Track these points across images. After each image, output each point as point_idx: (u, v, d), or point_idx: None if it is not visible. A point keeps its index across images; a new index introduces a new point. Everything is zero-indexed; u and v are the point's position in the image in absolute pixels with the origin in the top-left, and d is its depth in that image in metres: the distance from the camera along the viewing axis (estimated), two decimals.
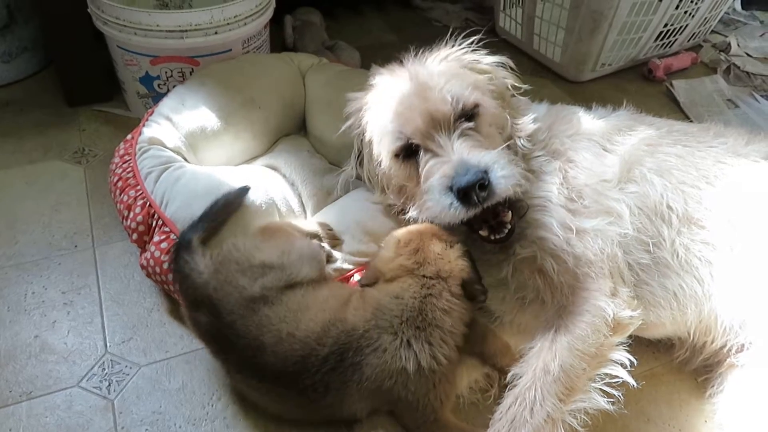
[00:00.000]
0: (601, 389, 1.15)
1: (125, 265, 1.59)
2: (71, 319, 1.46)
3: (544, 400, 1.11)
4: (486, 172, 1.14)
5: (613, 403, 1.16)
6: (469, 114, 1.24)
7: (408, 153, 1.27)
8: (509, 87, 1.40)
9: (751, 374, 1.18)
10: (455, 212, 1.17)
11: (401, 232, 1.29)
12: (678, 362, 1.36)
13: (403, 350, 1.12)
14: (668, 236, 1.23)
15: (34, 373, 1.34)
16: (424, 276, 1.20)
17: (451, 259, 1.22)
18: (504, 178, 1.15)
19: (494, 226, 1.23)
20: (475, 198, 1.14)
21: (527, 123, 1.37)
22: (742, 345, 1.22)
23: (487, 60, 1.39)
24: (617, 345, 1.18)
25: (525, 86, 1.42)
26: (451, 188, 1.15)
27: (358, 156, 1.46)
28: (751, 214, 1.23)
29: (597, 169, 1.29)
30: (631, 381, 1.17)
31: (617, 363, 1.17)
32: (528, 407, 1.11)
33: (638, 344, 1.40)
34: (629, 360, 1.18)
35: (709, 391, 1.30)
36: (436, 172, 1.19)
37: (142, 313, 1.48)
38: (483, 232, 1.24)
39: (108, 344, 1.40)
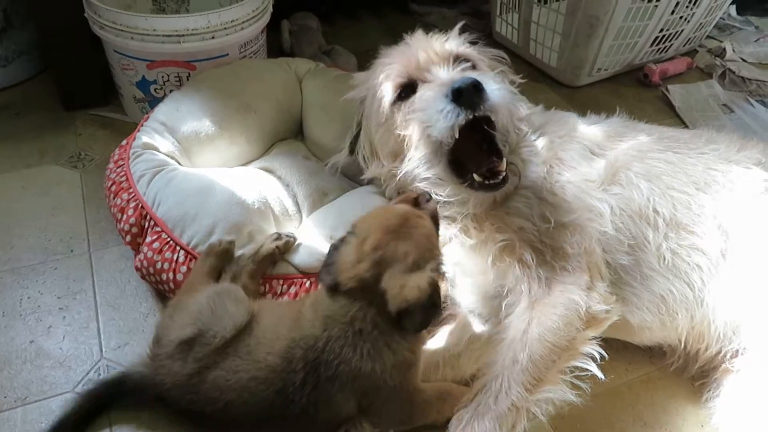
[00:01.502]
0: (570, 382, 1.16)
1: (121, 270, 1.58)
2: (67, 324, 1.45)
3: (509, 388, 1.12)
4: (480, 82, 1.17)
5: (580, 396, 1.16)
6: (467, 61, 1.33)
7: (407, 93, 1.30)
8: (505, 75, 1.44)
9: (747, 379, 1.18)
10: (448, 117, 1.16)
11: (370, 226, 1.11)
12: (673, 370, 1.36)
13: (366, 360, 1.08)
14: (653, 240, 1.23)
15: (29, 378, 1.33)
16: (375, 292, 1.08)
17: (405, 285, 1.04)
18: (498, 90, 1.18)
19: (487, 175, 1.23)
20: (470, 100, 1.15)
21: (521, 107, 1.40)
22: (737, 351, 1.22)
23: (485, 51, 1.46)
24: (590, 339, 1.18)
25: (519, 79, 1.48)
26: (446, 95, 1.16)
27: (356, 128, 1.48)
28: (742, 220, 1.23)
29: (582, 168, 1.30)
30: (600, 375, 1.16)
31: (588, 357, 1.17)
32: (493, 395, 1.12)
33: (634, 349, 1.40)
34: (601, 354, 1.17)
35: (705, 395, 1.30)
36: (432, 89, 1.23)
37: (138, 318, 1.47)
38: (477, 177, 1.23)
39: (104, 349, 1.40)
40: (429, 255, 1.09)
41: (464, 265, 1.32)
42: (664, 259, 1.23)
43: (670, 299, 1.23)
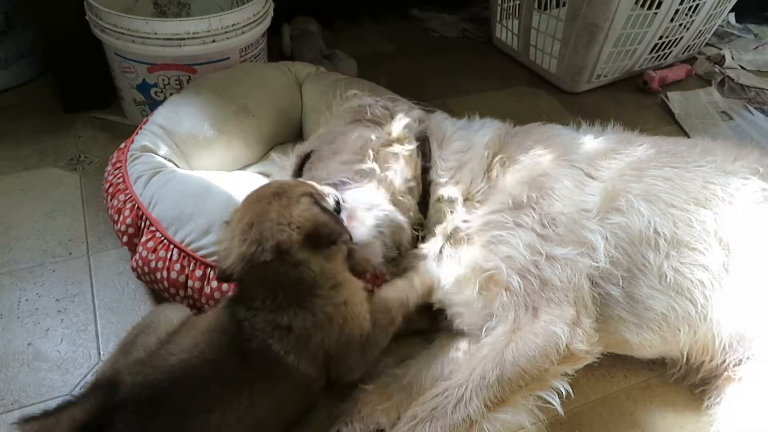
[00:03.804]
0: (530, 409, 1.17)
1: (120, 273, 1.58)
2: (65, 326, 1.45)
3: (470, 400, 1.12)
4: None
5: (534, 424, 1.18)
6: None
7: None
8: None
9: (750, 387, 1.18)
10: None
11: (237, 209, 1.14)
12: (673, 380, 1.36)
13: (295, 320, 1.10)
14: (654, 261, 1.22)
15: (27, 381, 1.33)
16: (264, 262, 1.07)
17: (291, 220, 1.06)
18: None
19: None
20: None
21: (398, 126, 1.43)
22: (740, 360, 1.22)
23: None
24: (562, 374, 1.17)
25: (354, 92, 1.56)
26: None
27: None
28: (743, 233, 1.23)
29: (576, 197, 1.27)
30: (561, 411, 1.16)
31: (555, 390, 1.17)
32: (452, 403, 1.12)
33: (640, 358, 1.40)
34: (567, 391, 1.17)
35: (705, 403, 1.29)
36: None
37: (136, 321, 1.45)
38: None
39: (101, 352, 1.39)
40: (301, 191, 1.12)
41: (453, 294, 1.32)
42: (666, 277, 1.22)
43: (672, 316, 1.22)
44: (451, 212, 1.37)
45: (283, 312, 1.09)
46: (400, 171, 1.38)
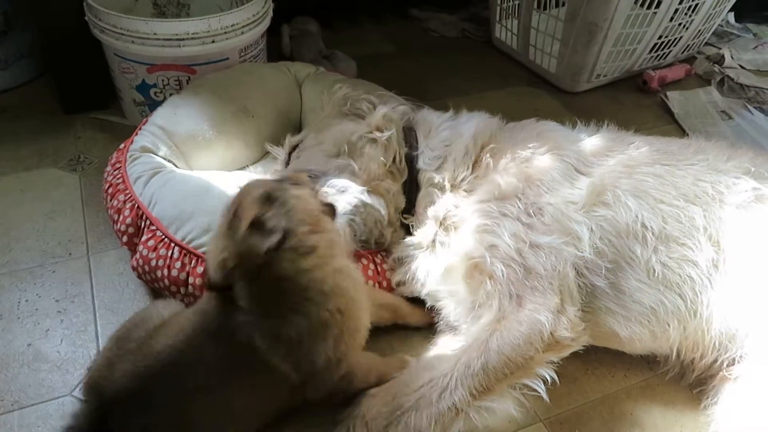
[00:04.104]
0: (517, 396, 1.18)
1: (120, 273, 1.58)
2: (65, 327, 1.45)
3: (455, 389, 1.13)
4: None
5: (520, 412, 1.18)
6: None
7: None
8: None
9: (745, 387, 1.17)
10: None
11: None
12: (670, 378, 1.35)
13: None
14: (642, 254, 1.22)
15: (27, 381, 1.33)
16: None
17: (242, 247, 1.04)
18: None
19: None
20: None
21: (377, 116, 1.48)
22: (733, 359, 1.22)
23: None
24: (548, 362, 1.18)
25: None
26: None
27: None
28: (733, 231, 1.23)
29: (564, 190, 1.29)
30: (546, 398, 1.17)
31: (541, 378, 1.17)
32: (438, 392, 1.13)
33: (632, 355, 1.40)
34: (553, 378, 1.18)
35: (703, 402, 1.29)
36: None
37: None
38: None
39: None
40: (248, 215, 1.06)
41: (440, 285, 1.33)
42: (654, 271, 1.22)
43: (661, 311, 1.22)
44: (441, 195, 1.39)
45: (272, 318, 1.08)
46: (376, 156, 1.42)
